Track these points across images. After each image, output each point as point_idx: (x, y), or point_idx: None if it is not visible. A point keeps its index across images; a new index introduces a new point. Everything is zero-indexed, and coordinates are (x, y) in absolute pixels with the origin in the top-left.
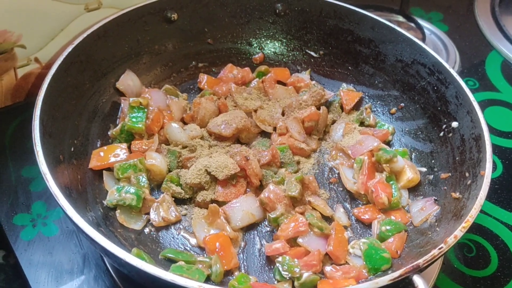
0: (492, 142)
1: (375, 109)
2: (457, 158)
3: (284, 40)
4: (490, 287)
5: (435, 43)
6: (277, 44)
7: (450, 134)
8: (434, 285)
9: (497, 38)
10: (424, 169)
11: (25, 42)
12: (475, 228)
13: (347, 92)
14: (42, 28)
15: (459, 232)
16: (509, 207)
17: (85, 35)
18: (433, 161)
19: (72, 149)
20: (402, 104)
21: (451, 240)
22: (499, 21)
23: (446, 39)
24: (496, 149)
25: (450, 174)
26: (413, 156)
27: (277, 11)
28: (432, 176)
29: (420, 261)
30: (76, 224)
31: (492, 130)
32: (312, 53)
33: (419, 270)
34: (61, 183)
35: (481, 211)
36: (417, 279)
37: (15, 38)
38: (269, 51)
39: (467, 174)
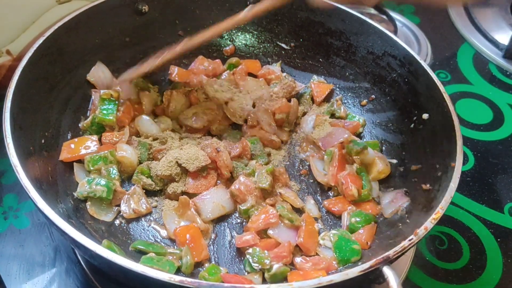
0: (463, 135)
1: (346, 101)
2: (427, 149)
3: (255, 32)
4: (462, 280)
5: (407, 35)
6: (248, 36)
7: (421, 126)
8: (406, 278)
9: (469, 30)
10: (394, 161)
11: None
12: (447, 220)
13: (318, 84)
14: (14, 21)
15: (429, 223)
16: (480, 200)
17: (56, 27)
18: (403, 152)
19: (43, 141)
20: (373, 96)
21: (422, 232)
22: (471, 13)
23: (418, 32)
24: (468, 142)
25: (420, 165)
26: (383, 148)
27: (248, 2)
28: (402, 168)
29: (390, 252)
30: (46, 216)
31: (464, 123)
32: (283, 45)
33: (389, 261)
34: (31, 175)
35: (453, 204)
36: (387, 270)
37: None
38: (240, 43)
39: (437, 166)
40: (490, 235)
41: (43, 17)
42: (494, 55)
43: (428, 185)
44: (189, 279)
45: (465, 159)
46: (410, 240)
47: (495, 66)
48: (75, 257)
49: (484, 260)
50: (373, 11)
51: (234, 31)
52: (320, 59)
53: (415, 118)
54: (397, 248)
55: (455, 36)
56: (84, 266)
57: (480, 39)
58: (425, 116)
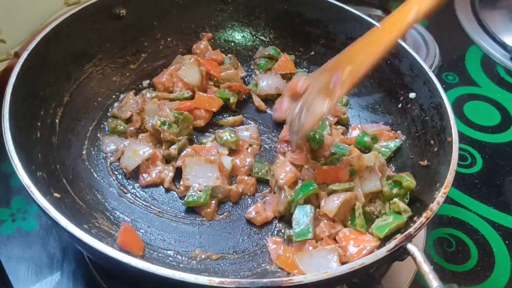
0: (471, 137)
1: None
2: (418, 127)
3: (233, 27)
4: (470, 282)
5: (415, 37)
6: (226, 31)
7: (409, 105)
8: (414, 280)
9: (477, 32)
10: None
11: (5, 37)
12: (455, 222)
13: (285, 61)
14: (22, 23)
15: (440, 198)
16: (488, 202)
17: (37, 39)
18: (394, 132)
19: (39, 157)
20: None
21: (435, 207)
22: (479, 15)
23: (426, 34)
24: (476, 144)
25: (405, 136)
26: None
27: None
28: None
29: (411, 229)
30: (75, 236)
31: (472, 125)
32: (263, 38)
33: (411, 238)
34: (45, 194)
35: (461, 206)
36: (411, 246)
37: None
38: (219, 39)
39: (432, 142)
40: (498, 237)
41: (51, 19)
42: (502, 57)
43: (426, 161)
44: (228, 280)
45: (473, 161)
46: (426, 215)
47: (503, 68)
48: (83, 259)
49: (492, 262)
50: (380, 13)
51: (213, 28)
52: (300, 48)
53: (401, 98)
54: (417, 224)
55: (463, 38)
56: (92, 268)
57: (488, 41)
58: (412, 95)
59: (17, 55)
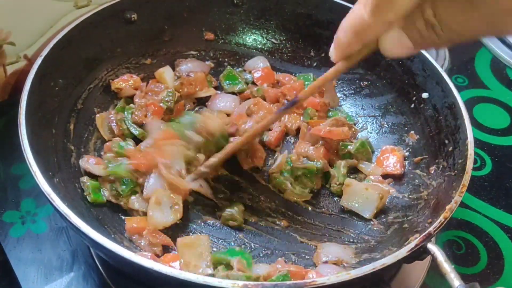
0: (480, 139)
1: (342, 89)
2: (432, 127)
3: (244, 30)
4: (479, 284)
5: None
6: (238, 34)
7: (422, 105)
8: (423, 283)
9: None
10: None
11: (15, 39)
12: (464, 225)
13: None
14: (32, 26)
15: (458, 197)
16: (498, 204)
17: (51, 45)
18: (407, 132)
19: (56, 164)
20: (368, 82)
21: (454, 206)
22: None
23: None
24: (486, 146)
25: (418, 136)
26: (385, 128)
27: (235, 1)
28: (410, 148)
29: (431, 229)
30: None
31: (482, 128)
32: (273, 40)
33: (431, 237)
34: (65, 201)
35: (470, 208)
36: (431, 246)
37: (4, 36)
38: (229, 42)
39: (446, 141)
40: (507, 239)
41: (61, 22)
42: (511, 60)
43: (441, 160)
44: (252, 283)
45: (483, 164)
46: (444, 215)
47: None
48: (93, 262)
49: (501, 264)
50: None
51: (223, 31)
52: (311, 50)
53: (414, 98)
54: (436, 224)
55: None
56: (102, 271)
57: (497, 44)
58: (425, 95)
59: (26, 58)
